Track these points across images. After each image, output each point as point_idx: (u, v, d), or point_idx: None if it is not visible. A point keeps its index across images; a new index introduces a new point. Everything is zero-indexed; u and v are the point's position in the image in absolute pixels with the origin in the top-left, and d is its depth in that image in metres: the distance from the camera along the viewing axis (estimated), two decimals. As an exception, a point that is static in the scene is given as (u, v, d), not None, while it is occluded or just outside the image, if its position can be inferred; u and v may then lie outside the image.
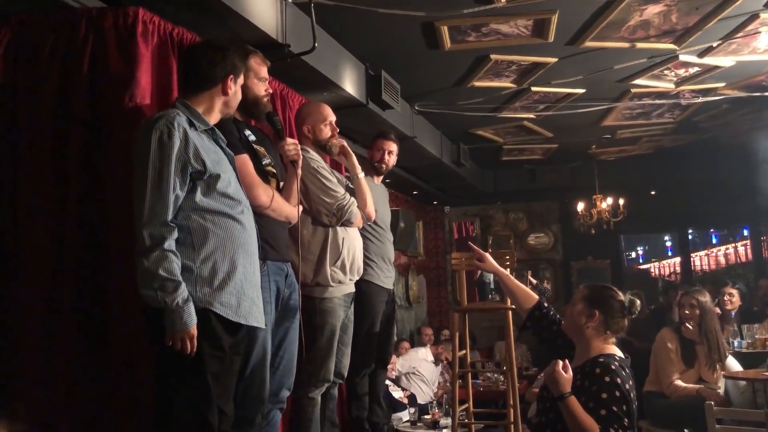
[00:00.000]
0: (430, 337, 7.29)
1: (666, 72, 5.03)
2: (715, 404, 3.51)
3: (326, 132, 3.16)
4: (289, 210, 2.69)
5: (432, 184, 8.01)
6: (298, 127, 3.22)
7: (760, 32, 4.30)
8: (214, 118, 2.30)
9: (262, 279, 2.36)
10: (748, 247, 10.96)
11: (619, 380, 2.33)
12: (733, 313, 5.78)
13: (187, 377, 2.08)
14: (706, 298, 4.49)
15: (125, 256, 2.26)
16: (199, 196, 2.14)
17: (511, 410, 3.84)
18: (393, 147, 3.94)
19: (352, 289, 3.22)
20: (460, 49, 4.37)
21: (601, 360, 2.41)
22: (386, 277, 3.79)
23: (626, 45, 4.41)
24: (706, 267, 14.13)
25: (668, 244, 15.47)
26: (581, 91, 5.37)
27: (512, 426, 3.83)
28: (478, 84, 5.05)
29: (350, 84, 4.25)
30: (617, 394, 2.31)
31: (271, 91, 2.79)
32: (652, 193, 8.96)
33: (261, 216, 2.48)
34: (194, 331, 2.04)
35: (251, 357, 2.39)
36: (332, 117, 3.20)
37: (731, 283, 6.41)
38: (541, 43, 4.29)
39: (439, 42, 4.23)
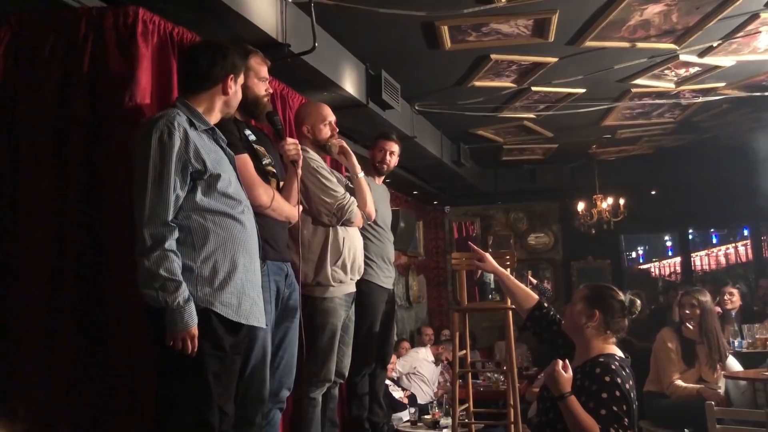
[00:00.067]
0: (430, 337, 7.29)
1: (666, 72, 5.02)
2: (716, 404, 3.51)
3: (326, 132, 3.16)
4: (290, 210, 2.69)
5: (432, 184, 8.01)
6: (298, 127, 3.22)
7: (760, 32, 4.30)
8: (214, 118, 2.30)
9: (262, 279, 2.36)
10: (749, 246, 10.97)
11: (619, 380, 2.33)
12: (733, 313, 5.79)
13: (188, 377, 2.08)
14: (706, 297, 4.49)
15: (125, 256, 2.26)
16: (199, 196, 2.14)
17: (512, 410, 3.84)
18: (395, 147, 3.95)
19: (353, 288, 3.22)
20: (460, 48, 4.37)
21: (602, 360, 2.41)
22: (386, 277, 3.79)
23: (626, 45, 4.40)
24: (706, 267, 14.14)
25: (668, 244, 15.48)
26: (581, 90, 5.36)
27: (512, 426, 3.84)
28: (478, 84, 5.05)
29: (350, 84, 4.24)
30: (617, 393, 2.31)
31: (271, 90, 2.79)
32: (653, 192, 8.96)
33: (261, 216, 2.48)
34: (195, 331, 2.04)
35: (251, 357, 2.39)
36: (331, 117, 3.20)
37: (731, 282, 6.41)
38: (541, 42, 4.28)
39: (440, 42, 4.23)
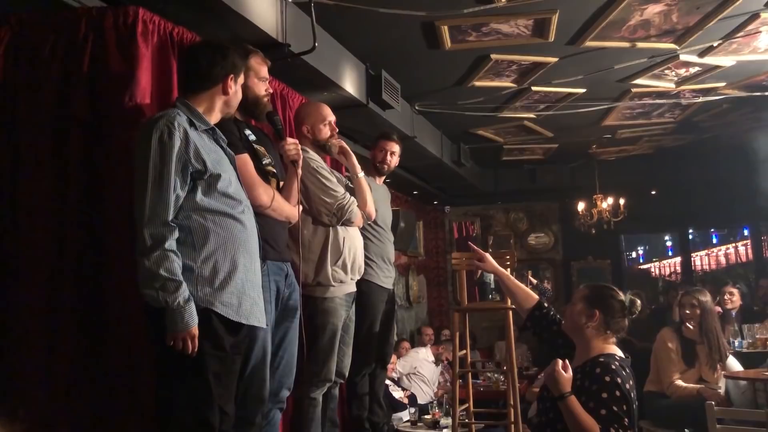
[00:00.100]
0: (430, 337, 7.29)
1: (666, 72, 5.02)
2: (716, 404, 3.51)
3: (325, 132, 3.16)
4: (290, 210, 2.69)
5: (432, 184, 8.01)
6: (297, 127, 3.22)
7: (760, 32, 4.30)
8: (214, 118, 2.30)
9: (262, 279, 2.36)
10: (749, 246, 10.97)
11: (619, 380, 2.33)
12: (733, 313, 5.79)
13: (189, 377, 2.08)
14: (706, 297, 4.49)
15: (125, 256, 2.26)
16: (199, 196, 2.14)
17: (512, 410, 3.84)
18: (395, 148, 3.95)
19: (353, 288, 3.22)
20: (460, 48, 4.37)
21: (602, 360, 2.41)
22: (386, 277, 3.79)
23: (627, 45, 4.40)
24: (706, 267, 14.14)
25: (668, 243, 15.48)
26: (581, 90, 5.36)
27: (512, 426, 3.84)
28: (478, 84, 5.05)
29: (350, 84, 4.24)
30: (617, 393, 2.31)
31: (271, 90, 2.79)
32: (653, 192, 8.97)
33: (261, 216, 2.48)
34: (195, 331, 2.04)
35: (251, 357, 2.38)
36: (331, 117, 3.20)
37: (732, 282, 6.41)
38: (541, 42, 4.28)
39: (440, 42, 4.23)
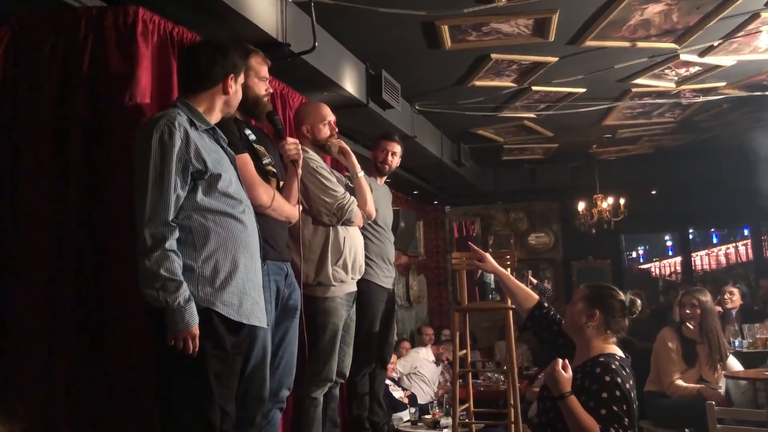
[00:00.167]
0: (430, 337, 7.29)
1: (667, 71, 5.02)
2: (716, 404, 3.51)
3: (325, 132, 3.16)
4: (290, 210, 2.69)
5: (432, 184, 8.01)
6: (297, 127, 3.22)
7: (760, 31, 4.29)
8: (214, 118, 2.30)
9: (262, 278, 2.36)
10: (749, 246, 10.97)
11: (619, 380, 2.32)
12: (733, 313, 5.78)
13: (189, 377, 2.08)
14: (706, 297, 4.49)
15: (125, 256, 2.26)
16: (200, 196, 2.13)
17: (512, 410, 3.84)
18: (397, 148, 3.95)
19: (354, 288, 3.22)
20: (460, 48, 4.36)
21: (602, 359, 2.41)
22: (386, 277, 3.79)
23: (627, 44, 4.40)
24: (706, 267, 14.13)
25: (669, 243, 15.46)
26: (582, 90, 5.36)
27: (513, 426, 3.84)
28: (478, 83, 5.05)
29: (350, 83, 4.24)
30: (617, 393, 2.30)
31: (271, 90, 2.79)
32: (653, 192, 8.96)
33: (261, 215, 2.48)
34: (196, 330, 2.04)
35: (251, 357, 2.38)
36: (331, 116, 3.20)
37: (732, 282, 6.41)
38: (541, 42, 4.28)
39: (440, 41, 4.23)
